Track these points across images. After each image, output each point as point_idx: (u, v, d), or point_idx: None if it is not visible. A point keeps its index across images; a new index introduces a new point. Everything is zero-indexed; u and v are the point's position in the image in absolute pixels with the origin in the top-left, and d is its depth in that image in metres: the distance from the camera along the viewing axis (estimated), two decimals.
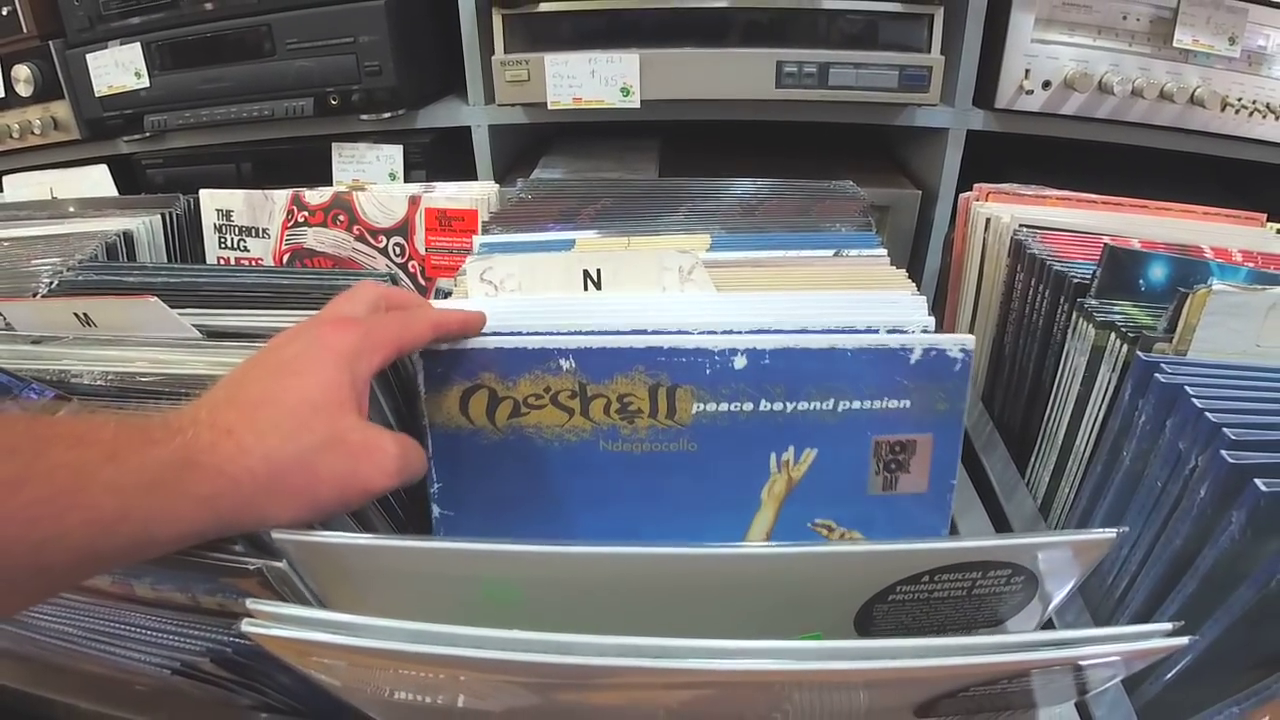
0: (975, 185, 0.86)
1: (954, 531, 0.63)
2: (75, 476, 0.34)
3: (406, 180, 1.02)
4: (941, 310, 0.93)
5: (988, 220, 0.80)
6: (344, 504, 0.42)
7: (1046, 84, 0.94)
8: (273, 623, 0.34)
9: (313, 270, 0.78)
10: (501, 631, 0.32)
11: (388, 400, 0.56)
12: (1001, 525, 0.67)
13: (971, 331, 0.84)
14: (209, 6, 0.98)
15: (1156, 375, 0.53)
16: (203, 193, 0.92)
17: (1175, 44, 0.93)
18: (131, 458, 0.36)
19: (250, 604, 0.35)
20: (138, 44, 1.03)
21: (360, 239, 0.87)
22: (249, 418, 0.39)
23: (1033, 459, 0.70)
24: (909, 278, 0.67)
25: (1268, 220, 0.88)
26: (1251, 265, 0.71)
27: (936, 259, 1.04)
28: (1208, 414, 0.49)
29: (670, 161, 1.10)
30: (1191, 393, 0.51)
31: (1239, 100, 0.97)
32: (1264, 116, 0.98)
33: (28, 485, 0.33)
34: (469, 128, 1.00)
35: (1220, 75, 0.97)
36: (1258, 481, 0.45)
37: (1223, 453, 0.47)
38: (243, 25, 0.98)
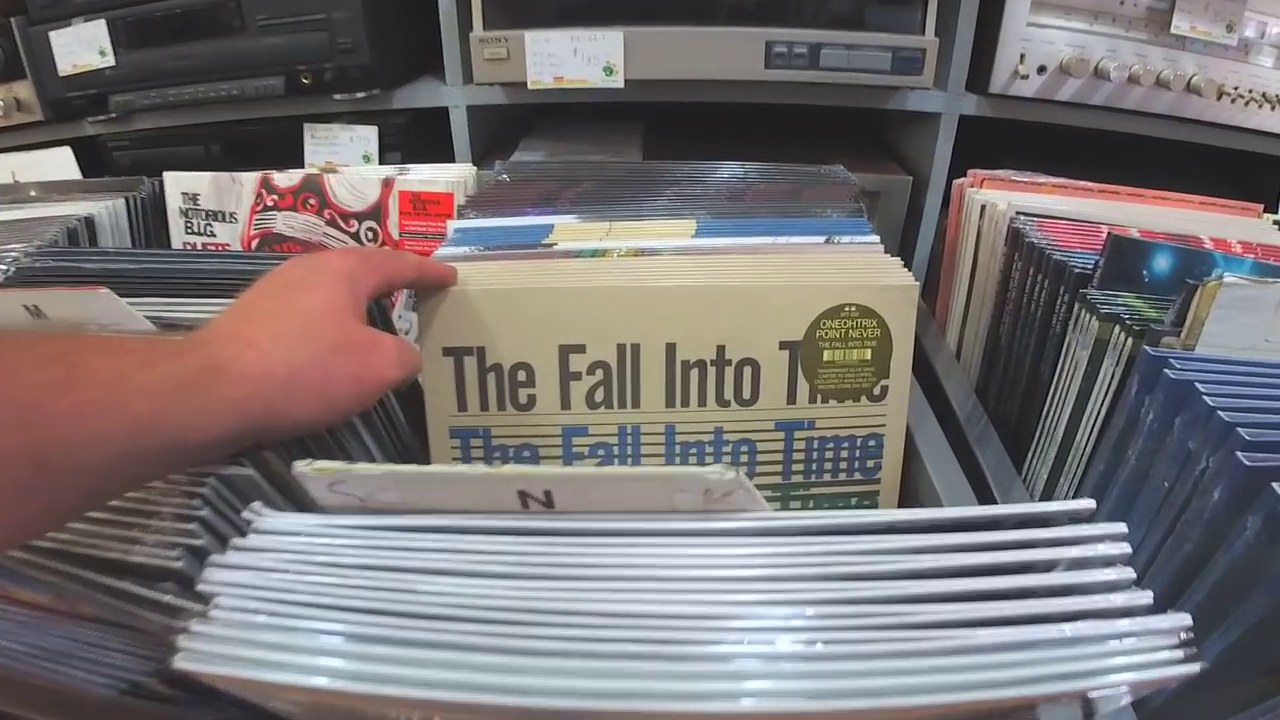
0: (969, 171, 0.83)
1: None
2: (114, 381, 0.36)
3: (382, 162, 0.98)
4: (934, 299, 0.90)
5: (983, 207, 0.77)
6: (360, 398, 0.47)
7: (1042, 69, 0.91)
8: (204, 660, 0.31)
9: (276, 255, 0.74)
10: (449, 672, 0.30)
11: None
12: None
13: (965, 321, 0.82)
14: None
15: (1165, 371, 0.50)
16: (167, 175, 0.88)
17: (1173, 30, 0.90)
18: (164, 364, 0.38)
19: (181, 641, 0.32)
20: (103, 20, 0.99)
21: (331, 223, 0.83)
22: (266, 329, 0.43)
23: (1030, 455, 0.67)
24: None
25: (1264, 211, 0.87)
26: (1253, 257, 0.70)
27: (928, 246, 1.01)
28: (1220, 413, 0.47)
29: (654, 145, 1.07)
30: (1203, 390, 0.48)
31: (1235, 89, 0.95)
32: (1260, 106, 0.96)
33: (72, 388, 0.35)
34: (446, 108, 0.96)
35: (1217, 63, 0.94)
36: (1276, 486, 0.42)
37: (1238, 454, 0.44)
38: (211, 1, 0.94)
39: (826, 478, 0.65)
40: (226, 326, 0.44)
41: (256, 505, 0.40)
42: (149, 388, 0.37)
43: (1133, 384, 0.53)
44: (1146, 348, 0.52)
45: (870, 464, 0.66)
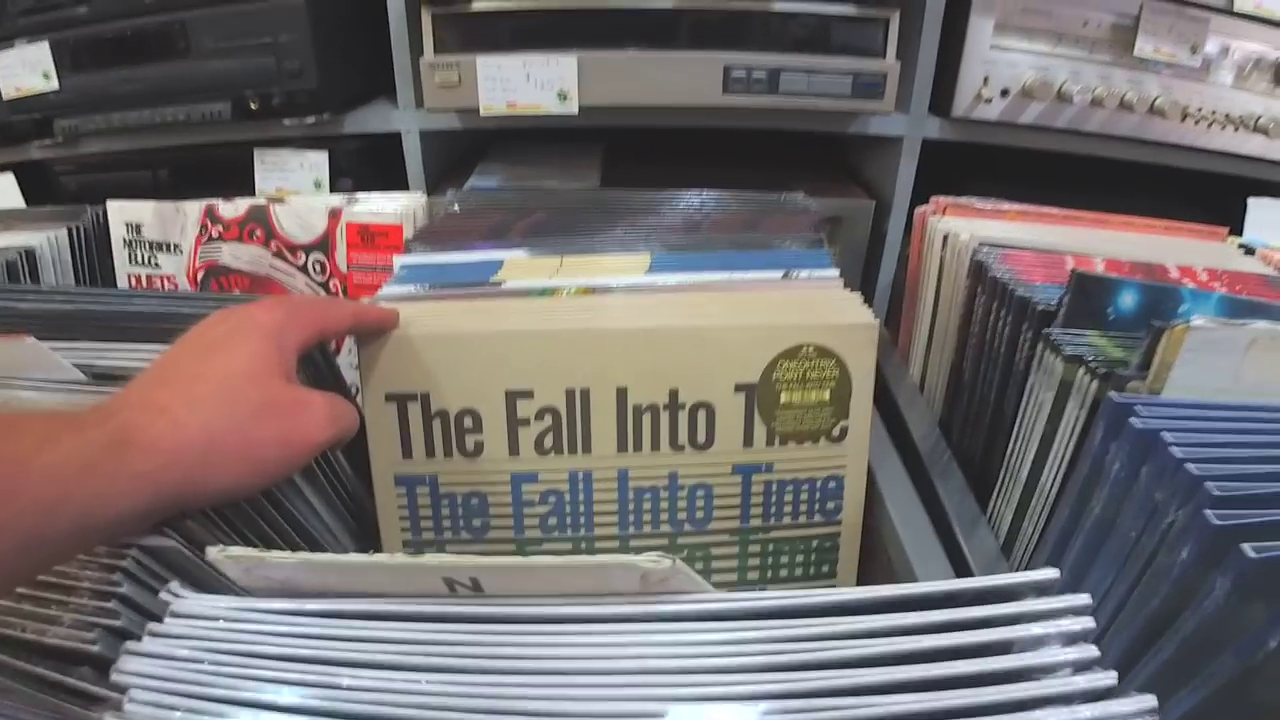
0: (932, 198, 0.81)
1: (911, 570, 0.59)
2: (11, 465, 0.34)
3: (333, 188, 0.95)
4: (896, 328, 0.88)
5: (945, 236, 0.75)
6: (287, 462, 0.45)
7: (1005, 92, 0.90)
8: None
9: (219, 296, 0.71)
10: None
11: None
12: (959, 563, 0.62)
13: (929, 351, 0.80)
14: (120, 2, 0.91)
15: (1131, 420, 0.49)
16: (110, 205, 0.85)
17: (1137, 53, 0.89)
18: (66, 442, 0.36)
19: None
20: (46, 42, 0.95)
21: (278, 255, 0.80)
22: (182, 393, 0.41)
23: (994, 495, 0.65)
24: (862, 294, 0.63)
25: (1229, 234, 0.86)
26: (1219, 286, 0.69)
27: (891, 271, 1.00)
28: (1189, 465, 0.45)
29: (614, 169, 1.04)
30: (1170, 439, 0.47)
31: (1199, 110, 0.94)
32: (1223, 128, 0.95)
33: None
34: (399, 133, 0.94)
35: (1180, 85, 0.93)
36: (1246, 547, 0.41)
37: (1207, 513, 0.42)
38: (156, 23, 0.91)
39: (786, 520, 0.64)
40: (139, 392, 0.42)
41: (174, 586, 0.37)
42: (50, 469, 0.35)
43: (1097, 430, 0.52)
44: (1112, 394, 0.51)
45: (831, 505, 0.64)
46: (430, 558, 0.32)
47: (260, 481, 0.44)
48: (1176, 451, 0.46)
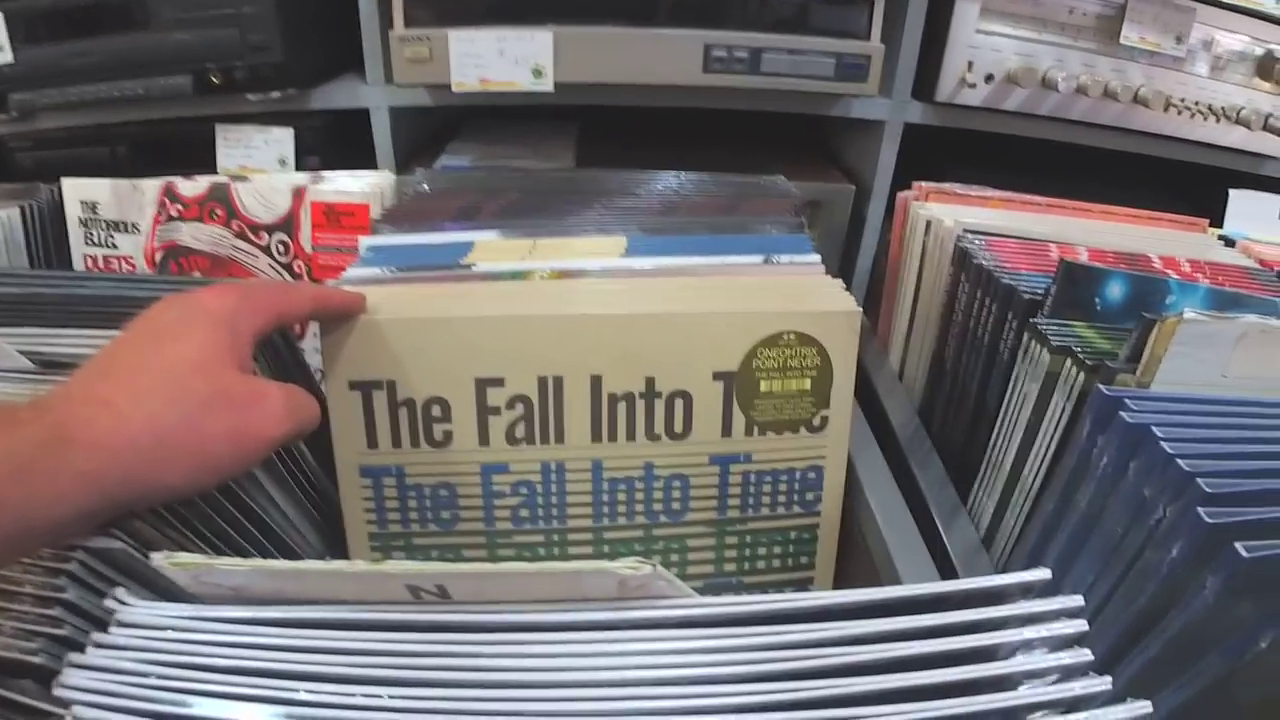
0: (914, 183, 0.80)
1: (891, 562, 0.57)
2: None
3: (299, 166, 0.92)
4: (876, 314, 0.87)
5: (928, 223, 0.74)
6: (240, 459, 0.42)
7: (989, 77, 0.88)
8: None
9: (174, 279, 0.68)
10: None
11: None
12: (940, 554, 0.61)
13: (909, 338, 0.79)
14: None
15: (1120, 413, 0.47)
16: (65, 182, 0.82)
17: (1122, 40, 0.88)
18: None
19: None
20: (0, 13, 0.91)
21: (240, 235, 0.78)
22: (126, 386, 0.39)
23: (976, 485, 0.64)
24: (841, 279, 0.61)
25: (1209, 226, 0.85)
26: (1201, 277, 0.68)
27: (870, 256, 0.98)
28: (1180, 460, 0.44)
29: (589, 149, 1.02)
30: (1160, 434, 0.45)
31: (1182, 101, 0.93)
32: (1205, 118, 0.94)
33: None
34: (367, 110, 0.91)
35: (1164, 74, 0.92)
36: (1238, 546, 0.39)
37: (1199, 510, 0.41)
38: None
39: (765, 512, 0.62)
40: (80, 385, 0.39)
41: (120, 593, 0.35)
42: None
43: (1085, 424, 0.50)
44: (1101, 386, 0.49)
45: (810, 496, 0.62)
46: (393, 565, 0.30)
47: (211, 479, 0.41)
48: (1167, 446, 0.45)
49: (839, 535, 0.64)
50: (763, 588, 0.64)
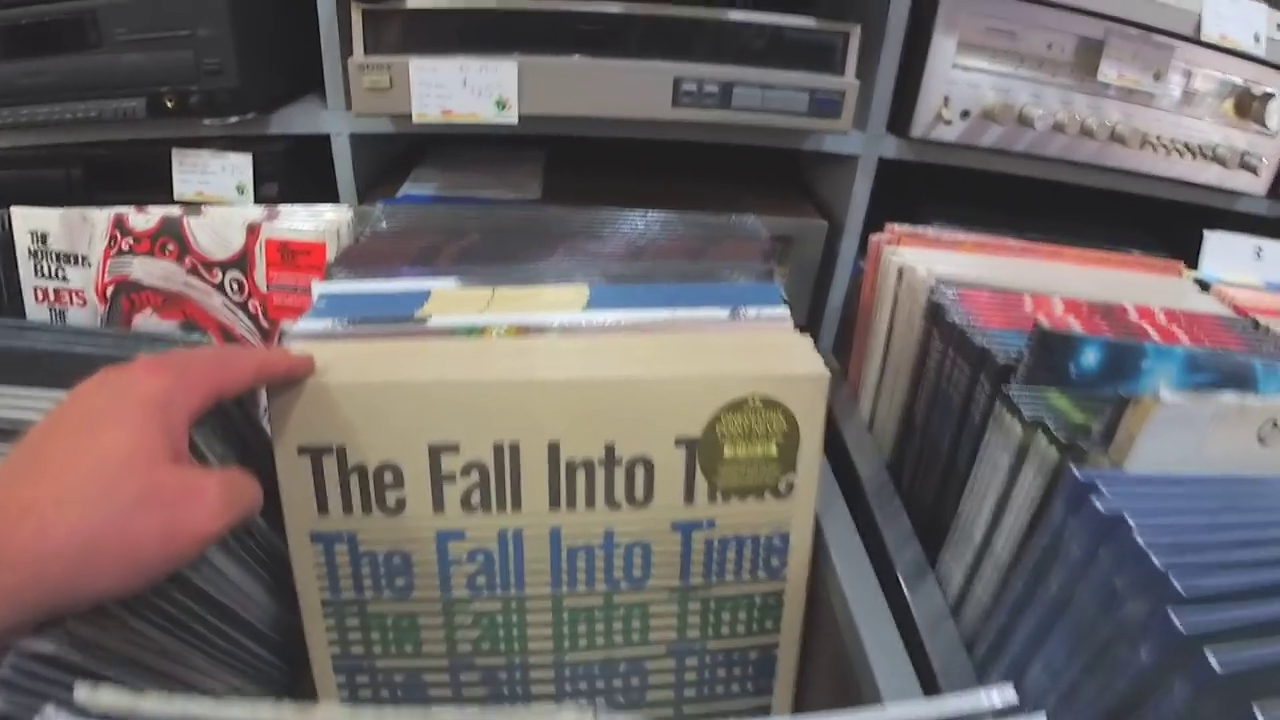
0: (887, 225, 0.78)
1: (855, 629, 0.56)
2: None
3: (257, 193, 0.89)
4: (846, 357, 0.85)
5: (900, 270, 0.72)
6: (174, 559, 0.39)
7: (965, 113, 0.87)
8: None
9: (114, 334, 0.64)
10: None
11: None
12: (904, 618, 0.60)
13: (880, 388, 0.77)
14: None
15: (1093, 498, 0.46)
16: (14, 211, 0.78)
17: (1100, 78, 0.87)
18: None
19: None
20: None
21: (193, 271, 0.75)
22: (49, 488, 0.36)
23: (944, 550, 0.63)
24: (811, 317, 0.59)
25: (1185, 268, 0.84)
26: (1178, 330, 0.67)
27: (841, 294, 0.96)
28: (1153, 556, 0.42)
29: (557, 176, 0.99)
30: (1134, 523, 0.44)
31: (1158, 138, 0.92)
32: (1182, 155, 0.94)
33: None
34: (328, 135, 0.88)
35: (1141, 111, 0.91)
36: (1210, 657, 0.38)
37: (1170, 614, 0.40)
38: (64, 10, 0.84)
39: (729, 579, 0.60)
40: (1, 488, 0.36)
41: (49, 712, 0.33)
42: None
43: (1057, 505, 0.49)
44: (1073, 468, 0.48)
45: (775, 562, 0.60)
46: (330, 711, 0.28)
47: (142, 582, 0.38)
48: (1140, 538, 0.43)
49: (804, 604, 0.63)
50: (727, 652, 0.63)
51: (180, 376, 0.42)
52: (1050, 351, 0.56)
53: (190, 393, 0.42)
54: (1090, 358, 0.57)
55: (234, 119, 0.86)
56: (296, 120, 0.88)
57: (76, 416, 0.40)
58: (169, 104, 0.84)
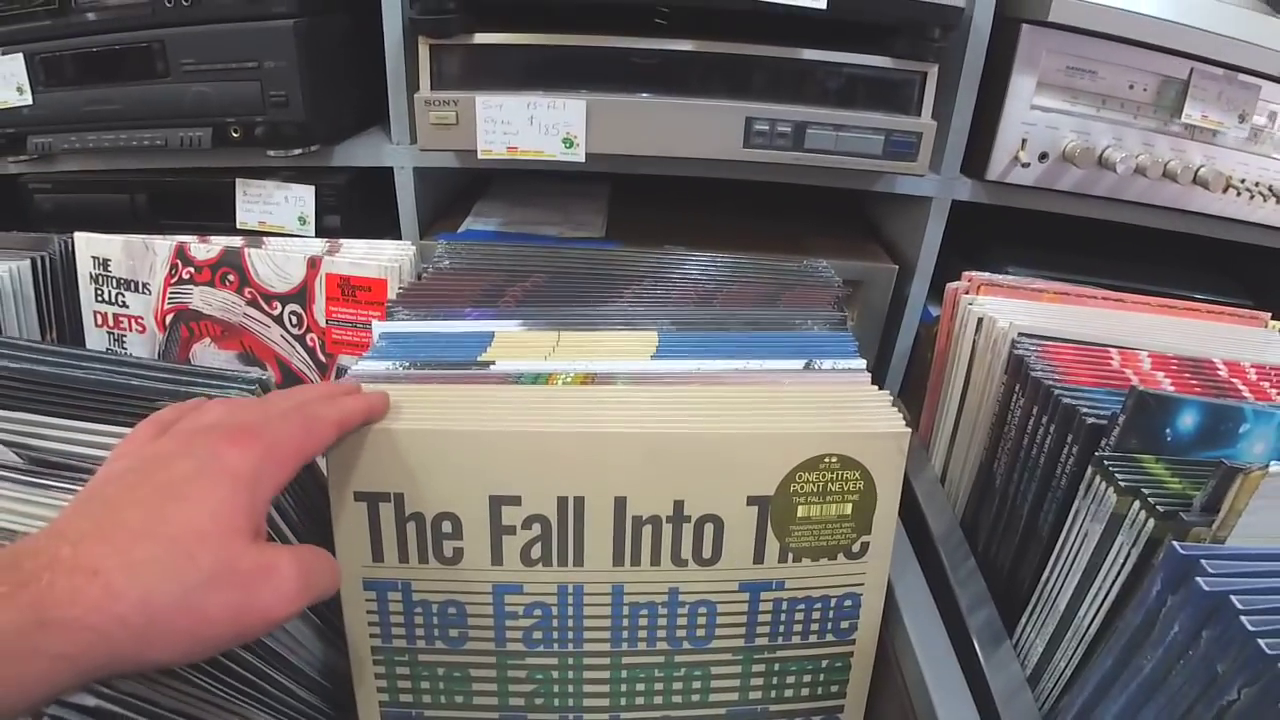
0: (964, 274, 0.75)
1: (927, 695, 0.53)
2: None
3: (319, 224, 0.89)
4: (918, 407, 0.82)
5: (979, 320, 0.69)
6: (241, 637, 0.38)
7: (1044, 156, 0.84)
8: None
9: (176, 370, 0.63)
10: None
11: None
12: (977, 685, 0.56)
13: (953, 442, 0.74)
14: (94, 16, 0.85)
15: (1197, 578, 0.43)
16: (78, 236, 0.79)
17: (1184, 119, 0.83)
18: None
19: None
20: (20, 55, 0.89)
21: (253, 303, 0.74)
22: (121, 552, 0.34)
23: (1025, 618, 0.59)
24: (880, 360, 0.57)
25: (1272, 318, 0.80)
26: (1269, 387, 0.63)
27: (910, 339, 0.94)
28: (1263, 643, 0.39)
29: (622, 212, 0.98)
30: (1240, 605, 0.41)
31: (1242, 182, 0.89)
32: (1265, 200, 0.90)
33: None
34: (391, 168, 0.87)
35: (1225, 154, 0.88)
36: None
37: None
38: (133, 40, 0.85)
39: (795, 640, 0.58)
40: (70, 546, 0.34)
41: None
42: None
43: (1154, 581, 0.46)
44: (1175, 543, 0.45)
45: (845, 625, 0.58)
46: None
47: (204, 656, 0.37)
48: (1248, 621, 0.40)
49: (873, 666, 0.60)
50: (789, 715, 0.60)
51: (269, 451, 0.41)
52: (1146, 414, 0.53)
53: (279, 469, 0.41)
54: (1188, 421, 0.54)
55: (298, 151, 0.86)
56: (360, 153, 0.88)
57: (160, 482, 0.38)
58: (234, 134, 0.84)
